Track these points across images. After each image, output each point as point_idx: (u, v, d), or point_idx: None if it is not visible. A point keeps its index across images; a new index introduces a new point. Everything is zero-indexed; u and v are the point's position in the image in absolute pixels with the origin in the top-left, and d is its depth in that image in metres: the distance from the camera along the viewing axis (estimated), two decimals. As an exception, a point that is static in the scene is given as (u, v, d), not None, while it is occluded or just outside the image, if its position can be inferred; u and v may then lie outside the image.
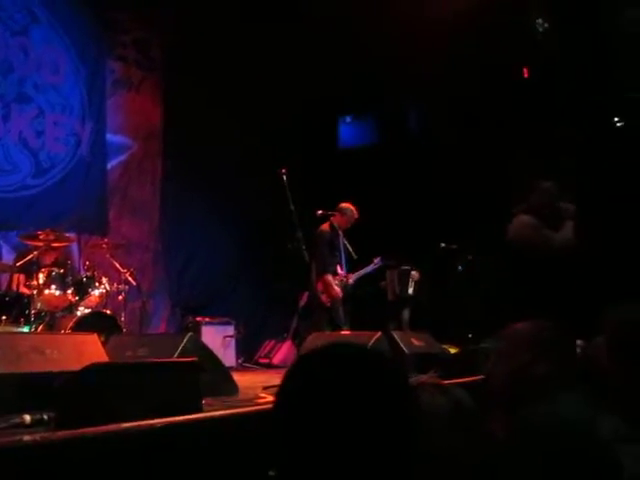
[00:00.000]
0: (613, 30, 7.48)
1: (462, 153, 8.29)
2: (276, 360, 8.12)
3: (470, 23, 7.62)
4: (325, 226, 7.22)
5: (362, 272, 7.45)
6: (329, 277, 7.04)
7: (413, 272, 8.29)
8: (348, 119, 10.49)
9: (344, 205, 7.26)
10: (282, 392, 1.17)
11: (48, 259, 6.55)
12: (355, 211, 7.26)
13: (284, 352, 8.19)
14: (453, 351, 5.91)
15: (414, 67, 8.12)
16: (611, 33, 7.49)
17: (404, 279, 8.32)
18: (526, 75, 7.74)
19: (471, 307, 7.90)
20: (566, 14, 7.74)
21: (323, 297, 7.05)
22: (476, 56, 7.73)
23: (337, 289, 7.04)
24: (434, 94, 8.60)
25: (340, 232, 7.21)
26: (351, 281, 7.26)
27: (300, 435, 1.10)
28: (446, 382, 4.15)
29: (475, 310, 7.68)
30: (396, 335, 5.45)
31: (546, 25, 7.93)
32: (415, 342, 5.47)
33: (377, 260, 7.64)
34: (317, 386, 1.11)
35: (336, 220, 7.22)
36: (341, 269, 7.23)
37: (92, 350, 3.63)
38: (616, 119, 7.63)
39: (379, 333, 5.08)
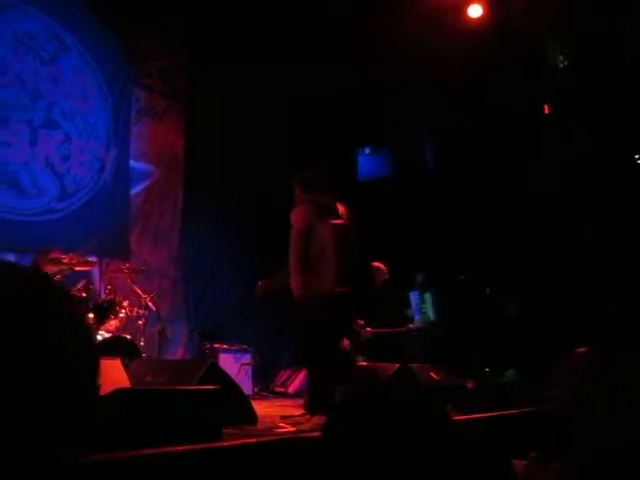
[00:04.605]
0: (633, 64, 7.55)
1: (477, 188, 8.34)
2: (292, 389, 8.09)
3: (489, 59, 7.71)
4: None
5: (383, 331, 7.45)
6: None
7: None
8: (367, 150, 10.56)
9: (376, 264, 7.40)
10: (328, 430, 1.20)
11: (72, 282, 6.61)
12: (386, 271, 7.41)
13: (300, 382, 8.17)
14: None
15: (432, 101, 8.21)
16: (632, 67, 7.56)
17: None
18: (547, 111, 7.79)
19: (488, 341, 7.87)
20: (587, 50, 7.81)
21: None
22: (496, 93, 7.80)
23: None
24: (452, 130, 8.68)
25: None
26: (368, 334, 7.25)
27: (344, 470, 1.14)
28: (463, 417, 4.15)
29: (493, 344, 7.64)
30: (415, 368, 5.44)
31: (566, 62, 8.00)
32: (433, 375, 5.45)
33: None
34: (362, 429, 1.15)
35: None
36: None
37: (115, 375, 3.67)
38: (637, 156, 7.67)
39: (397, 365, 5.08)
